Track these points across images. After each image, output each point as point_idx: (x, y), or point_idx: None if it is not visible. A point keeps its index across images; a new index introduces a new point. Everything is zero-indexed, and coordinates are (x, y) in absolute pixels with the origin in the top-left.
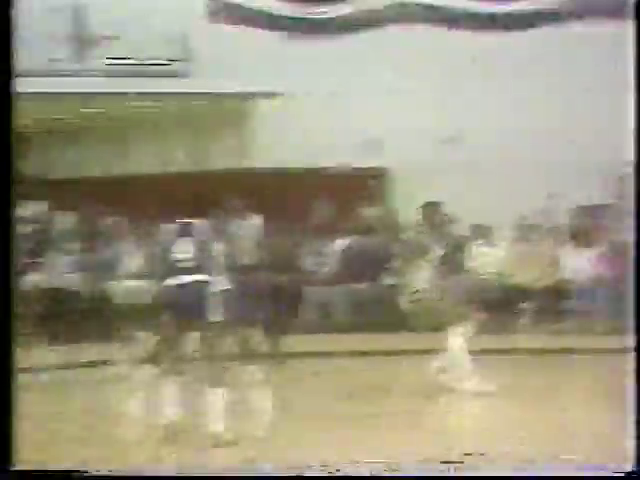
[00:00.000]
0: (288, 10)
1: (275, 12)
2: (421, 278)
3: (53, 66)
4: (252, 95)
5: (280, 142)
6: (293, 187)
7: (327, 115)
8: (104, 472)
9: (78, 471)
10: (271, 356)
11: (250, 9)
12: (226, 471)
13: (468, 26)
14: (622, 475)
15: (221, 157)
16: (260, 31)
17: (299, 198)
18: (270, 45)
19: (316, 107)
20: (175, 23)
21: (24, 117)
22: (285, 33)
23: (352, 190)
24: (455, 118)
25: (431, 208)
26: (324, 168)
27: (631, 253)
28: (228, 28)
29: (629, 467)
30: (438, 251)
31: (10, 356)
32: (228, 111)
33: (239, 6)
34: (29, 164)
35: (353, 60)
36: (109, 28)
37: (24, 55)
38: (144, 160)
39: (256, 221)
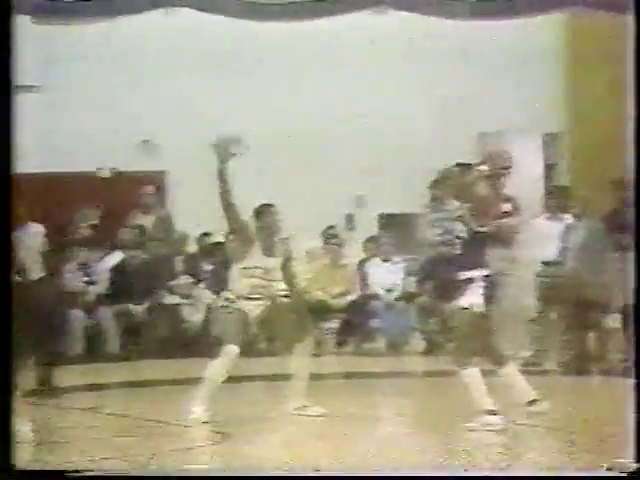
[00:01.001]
0: None
1: None
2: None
3: None
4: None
5: (40, 142)
6: (55, 194)
7: (93, 113)
8: (104, 472)
9: (78, 471)
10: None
11: None
12: (226, 471)
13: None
14: (624, 475)
15: None
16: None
17: (62, 206)
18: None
19: (80, 104)
20: None
21: None
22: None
23: (124, 197)
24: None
25: (268, 211)
26: (90, 172)
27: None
28: None
29: (631, 467)
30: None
31: (10, 356)
32: None
33: None
34: None
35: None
36: None
37: None
38: None
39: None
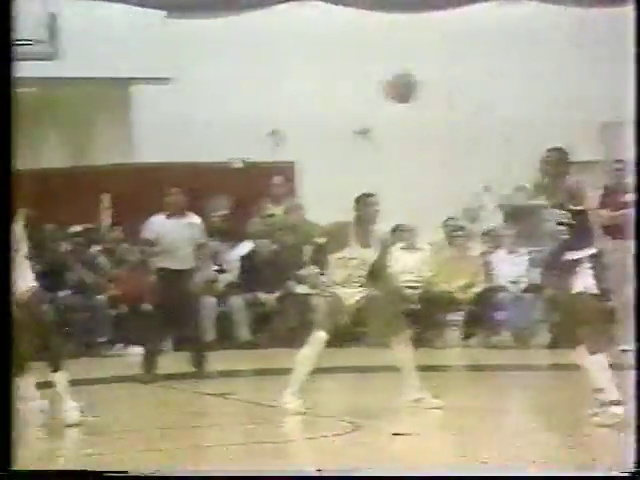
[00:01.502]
0: None
1: None
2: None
3: None
4: (133, 81)
5: (167, 134)
6: (186, 184)
7: (222, 104)
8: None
9: (78, 471)
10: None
11: None
12: (226, 471)
13: None
14: (625, 475)
15: (99, 151)
16: (136, 9)
17: (193, 197)
18: (148, 24)
19: (208, 94)
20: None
21: None
22: (164, 11)
23: (254, 187)
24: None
25: (367, 201)
26: (221, 162)
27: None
28: (99, 5)
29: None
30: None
31: (10, 356)
32: (104, 98)
33: None
34: None
35: (248, 42)
36: None
37: None
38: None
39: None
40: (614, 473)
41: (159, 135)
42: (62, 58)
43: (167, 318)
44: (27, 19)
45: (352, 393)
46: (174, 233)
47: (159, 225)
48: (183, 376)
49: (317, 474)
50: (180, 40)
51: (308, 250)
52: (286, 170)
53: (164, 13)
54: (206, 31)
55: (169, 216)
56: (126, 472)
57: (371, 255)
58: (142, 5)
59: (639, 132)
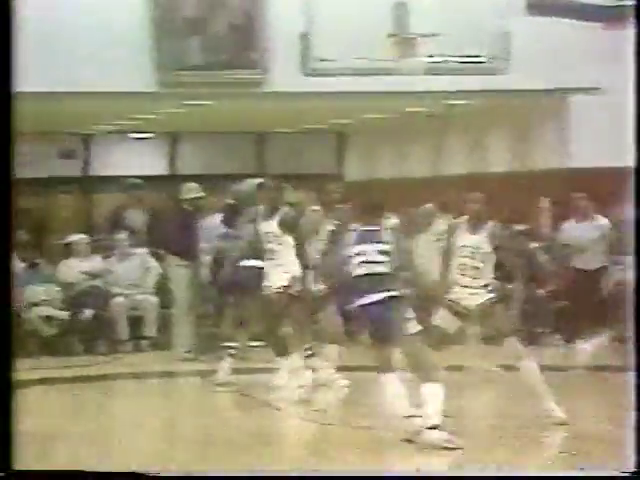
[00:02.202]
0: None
1: (591, 2)
2: None
3: (373, 65)
4: (570, 91)
5: (599, 140)
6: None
7: None
8: (103, 471)
9: (77, 471)
10: None
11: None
12: (226, 471)
13: None
14: (627, 475)
15: (540, 156)
16: (577, 23)
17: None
18: (586, 37)
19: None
20: (492, 18)
21: (345, 116)
22: (600, 24)
23: None
24: None
25: None
26: None
27: None
28: (545, 21)
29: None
30: None
31: (10, 356)
32: (544, 108)
33: None
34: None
35: None
36: (429, 26)
37: (346, 54)
38: (457, 160)
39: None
40: (614, 473)
41: (592, 141)
42: (511, 72)
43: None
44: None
45: None
46: (583, 236)
47: (572, 229)
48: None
49: (317, 474)
50: (609, 50)
51: None
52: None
53: (599, 25)
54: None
55: (578, 220)
56: (126, 472)
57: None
58: (582, 19)
59: (639, 135)
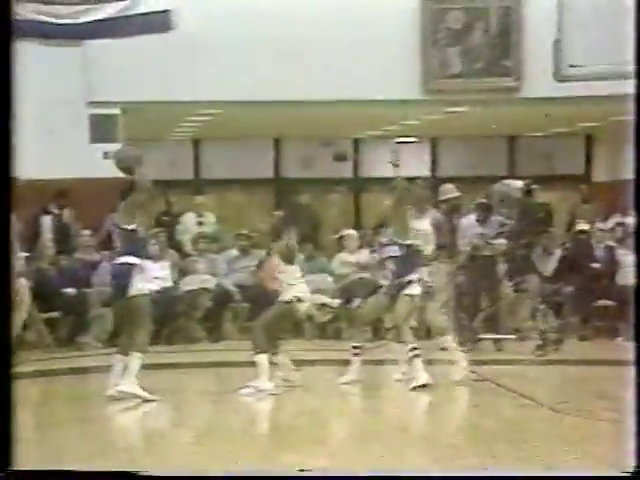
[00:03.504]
0: None
1: None
2: None
3: (618, 69)
4: None
5: None
6: None
7: None
8: (103, 471)
9: (77, 471)
10: None
11: None
12: (226, 471)
13: None
14: (627, 475)
15: None
16: None
17: None
18: None
19: None
20: None
21: (592, 119)
22: None
23: None
24: None
25: None
26: None
27: None
28: None
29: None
30: None
31: (10, 356)
32: None
33: None
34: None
35: None
36: None
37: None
38: None
39: None
40: (614, 473)
41: None
42: None
43: None
44: None
45: None
46: None
47: None
48: None
49: (317, 474)
50: None
51: None
52: None
53: None
54: None
55: None
56: (127, 472)
57: None
58: None
59: (638, 138)
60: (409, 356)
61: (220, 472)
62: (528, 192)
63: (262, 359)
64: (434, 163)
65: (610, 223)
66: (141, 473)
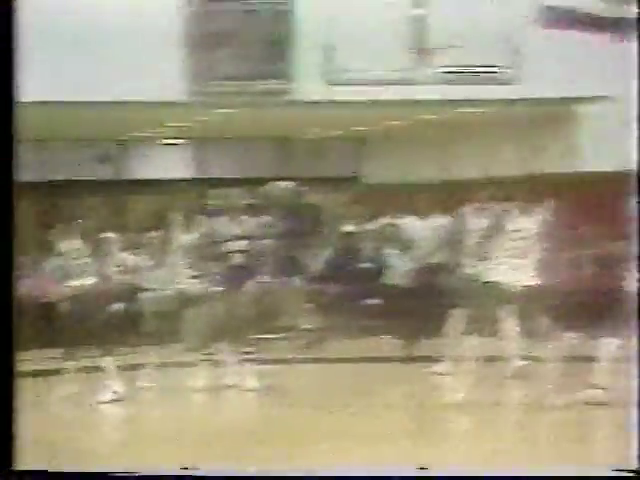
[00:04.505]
0: (612, 11)
1: (599, 13)
2: None
3: (390, 75)
4: (577, 100)
5: (605, 147)
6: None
7: None
8: (103, 471)
9: (77, 471)
10: None
11: (573, 11)
12: (226, 471)
13: None
14: (625, 475)
15: (546, 161)
16: (584, 34)
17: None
18: (594, 48)
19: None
20: (505, 29)
21: (364, 123)
22: (609, 35)
23: None
24: None
25: None
26: None
27: None
28: (554, 32)
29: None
30: None
31: (11, 356)
32: (551, 116)
33: (564, 9)
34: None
35: None
36: (445, 37)
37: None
38: (466, 166)
39: None
40: (614, 473)
41: (600, 147)
42: (520, 81)
43: None
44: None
45: None
46: None
47: None
48: None
49: (317, 474)
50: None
51: None
52: None
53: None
54: None
55: None
56: (127, 472)
57: None
58: (591, 30)
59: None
60: None
61: (220, 472)
62: (297, 193)
63: None
64: (203, 165)
65: (379, 224)
66: (141, 473)
